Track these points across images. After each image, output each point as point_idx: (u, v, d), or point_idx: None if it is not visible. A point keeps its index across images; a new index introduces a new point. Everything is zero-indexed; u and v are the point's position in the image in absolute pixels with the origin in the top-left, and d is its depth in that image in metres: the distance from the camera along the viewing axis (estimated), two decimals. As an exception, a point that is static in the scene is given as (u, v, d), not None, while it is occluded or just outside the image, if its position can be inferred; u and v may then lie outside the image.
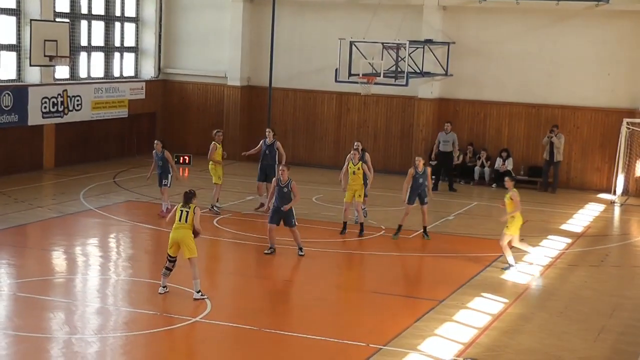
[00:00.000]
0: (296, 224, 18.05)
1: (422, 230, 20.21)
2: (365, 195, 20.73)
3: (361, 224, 20.18)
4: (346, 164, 20.56)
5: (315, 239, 19.58)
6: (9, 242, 18.35)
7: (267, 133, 22.40)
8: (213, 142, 21.74)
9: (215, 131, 22.17)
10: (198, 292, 14.92)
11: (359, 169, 20.08)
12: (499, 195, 26.10)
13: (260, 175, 22.14)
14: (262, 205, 21.60)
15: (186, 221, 14.94)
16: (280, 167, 18.37)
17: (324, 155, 29.79)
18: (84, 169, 26.58)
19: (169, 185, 21.14)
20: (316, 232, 20.21)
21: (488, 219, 22.92)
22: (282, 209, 17.72)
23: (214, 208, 21.63)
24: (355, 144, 21.04)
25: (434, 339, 13.48)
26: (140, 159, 29.21)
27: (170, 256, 15.11)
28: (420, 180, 19.88)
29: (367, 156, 21.09)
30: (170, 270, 15.16)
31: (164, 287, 15.21)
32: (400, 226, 20.00)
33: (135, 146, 30.56)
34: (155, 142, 21.39)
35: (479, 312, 14.94)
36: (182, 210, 15.05)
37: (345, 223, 20.04)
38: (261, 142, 22.38)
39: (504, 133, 28.41)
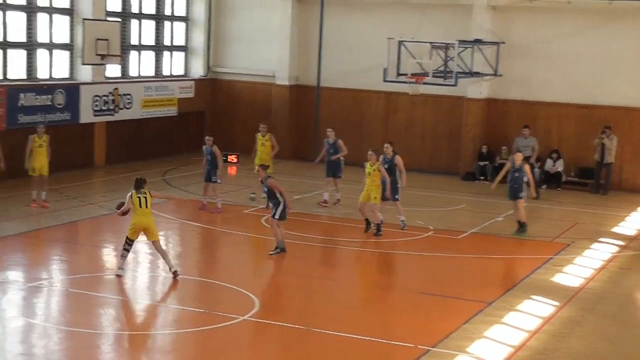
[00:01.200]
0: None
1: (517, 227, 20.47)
2: (396, 199, 20.40)
3: (378, 225, 19.70)
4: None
5: (362, 238, 19.52)
6: (61, 239, 18.56)
7: (328, 133, 23.27)
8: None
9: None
10: (175, 271, 15.65)
11: (374, 170, 19.70)
12: (549, 196, 25.94)
13: (328, 172, 23.11)
14: (325, 201, 22.82)
15: (147, 206, 15.57)
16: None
17: (371, 155, 29.65)
18: (133, 166, 26.78)
19: (219, 181, 21.50)
20: (362, 232, 20.12)
21: (538, 220, 22.68)
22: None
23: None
24: (385, 145, 20.96)
25: (483, 342, 13.36)
26: (189, 157, 29.37)
27: (129, 240, 15.74)
28: (516, 175, 20.16)
29: (398, 158, 20.60)
30: (128, 252, 15.78)
31: (121, 268, 15.78)
32: (522, 223, 20.42)
33: (184, 144, 30.74)
34: (207, 137, 22.02)
35: (529, 314, 14.78)
36: (139, 197, 15.56)
37: (366, 220, 19.91)
38: (325, 141, 23.35)
39: (553, 134, 28.08)
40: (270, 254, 17.66)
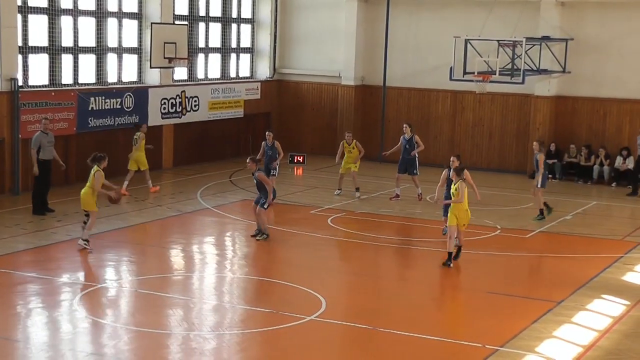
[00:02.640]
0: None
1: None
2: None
3: (457, 250, 17.62)
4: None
5: (428, 238, 19.41)
6: (130, 240, 18.82)
7: (404, 128, 23.58)
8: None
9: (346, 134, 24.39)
10: (85, 240, 17.40)
11: (456, 189, 17.18)
12: (619, 194, 25.49)
13: (400, 168, 23.44)
14: (397, 196, 23.28)
15: (87, 181, 17.55)
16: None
17: (438, 155, 29.48)
18: (200, 168, 27.04)
19: (276, 175, 22.43)
20: (430, 232, 20.03)
21: (608, 218, 22.30)
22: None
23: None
24: (452, 158, 18.66)
25: (552, 341, 13.17)
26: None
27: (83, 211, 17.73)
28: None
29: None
30: (86, 223, 17.62)
31: (84, 240, 17.53)
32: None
33: (250, 146, 30.92)
34: (267, 133, 22.87)
35: (599, 314, 14.54)
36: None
37: (458, 247, 17.74)
38: (401, 138, 23.59)
39: (624, 131, 27.55)
40: (258, 239, 18.81)
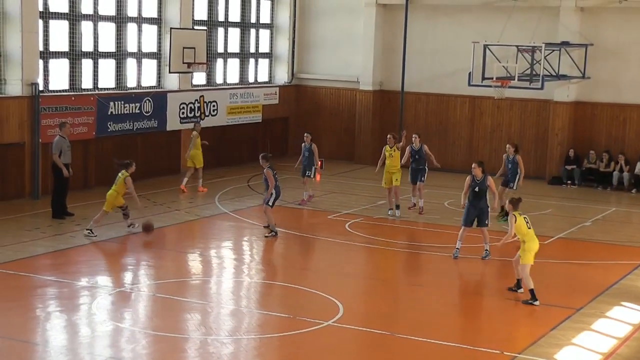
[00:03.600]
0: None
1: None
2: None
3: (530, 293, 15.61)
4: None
5: (446, 244, 19.35)
6: (148, 244, 18.85)
7: (413, 139, 22.63)
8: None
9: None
10: (88, 230, 18.65)
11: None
12: (639, 201, 25.31)
13: (412, 178, 22.65)
14: (414, 205, 22.70)
15: (115, 184, 18.98)
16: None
17: (456, 160, 29.43)
18: (219, 172, 27.08)
19: (312, 176, 23.02)
20: (448, 237, 19.96)
21: (627, 225, 22.17)
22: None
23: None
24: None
25: (571, 348, 13.10)
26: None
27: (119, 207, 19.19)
28: (510, 166, 21.68)
29: (490, 179, 18.37)
30: (127, 215, 19.30)
31: (128, 226, 19.20)
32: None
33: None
34: (305, 134, 23.41)
35: (619, 321, 14.45)
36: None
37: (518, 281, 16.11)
38: (408, 147, 22.51)
39: (644, 137, 27.42)
40: (266, 236, 19.36)
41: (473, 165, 18.17)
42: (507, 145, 22.21)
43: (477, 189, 17.94)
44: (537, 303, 15.13)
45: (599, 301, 15.50)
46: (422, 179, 22.51)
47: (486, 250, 18.27)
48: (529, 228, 15.35)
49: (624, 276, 17.19)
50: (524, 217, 15.46)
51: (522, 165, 21.72)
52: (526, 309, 15.12)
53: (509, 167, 21.81)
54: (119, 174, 19.08)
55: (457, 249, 18.20)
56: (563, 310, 14.87)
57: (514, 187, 21.50)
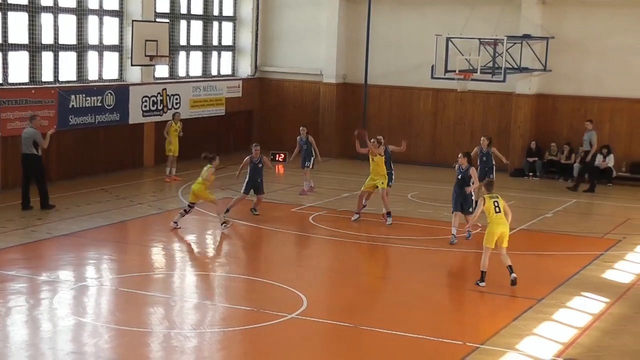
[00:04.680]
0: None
1: None
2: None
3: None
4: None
5: (410, 236, 19.45)
6: (111, 238, 18.76)
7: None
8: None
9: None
10: (222, 224, 19.13)
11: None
12: (599, 192, 25.58)
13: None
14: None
15: (201, 177, 19.28)
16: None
17: (419, 153, 29.57)
18: (182, 166, 26.92)
19: (310, 166, 23.56)
20: (412, 230, 20.07)
21: (588, 216, 22.41)
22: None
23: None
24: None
25: (533, 339, 13.23)
26: (237, 157, 29.52)
27: (190, 203, 19.54)
28: (485, 158, 21.91)
29: (472, 170, 18.95)
30: (187, 212, 19.44)
31: (175, 222, 19.34)
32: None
33: (232, 144, 30.90)
34: (301, 127, 24.08)
35: (579, 311, 14.62)
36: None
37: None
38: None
39: (605, 129, 27.66)
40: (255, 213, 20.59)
41: (459, 155, 19.07)
42: (482, 138, 22.46)
43: (460, 177, 18.85)
44: (482, 284, 15.68)
45: (560, 292, 15.67)
46: (390, 184, 21.55)
47: (468, 230, 19.08)
48: (497, 212, 15.67)
49: (584, 267, 17.39)
50: (494, 201, 15.79)
51: (502, 156, 22.62)
52: (489, 301, 15.26)
53: (483, 160, 22.07)
54: (205, 167, 19.37)
55: (453, 235, 18.86)
56: (525, 301, 15.02)
57: (492, 177, 21.53)
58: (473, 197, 19.02)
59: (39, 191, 20.54)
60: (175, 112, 26.09)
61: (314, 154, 23.70)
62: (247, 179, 20.80)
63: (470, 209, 18.87)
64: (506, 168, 27.92)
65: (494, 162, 22.22)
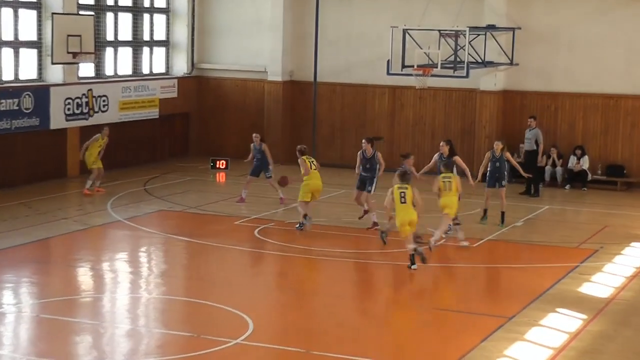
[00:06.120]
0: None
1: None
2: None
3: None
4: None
5: (368, 249, 19.42)
6: (31, 258, 18.51)
7: (364, 144, 21.38)
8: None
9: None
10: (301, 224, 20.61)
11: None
12: (573, 197, 25.85)
13: (359, 185, 21.40)
14: (365, 212, 21.40)
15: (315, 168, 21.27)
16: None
17: (376, 157, 29.58)
18: (111, 175, 26.68)
19: (271, 176, 23.90)
20: (367, 242, 20.05)
21: (562, 224, 22.58)
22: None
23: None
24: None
25: (504, 361, 13.28)
26: (173, 164, 29.35)
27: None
28: (497, 164, 22.03)
29: (457, 158, 21.34)
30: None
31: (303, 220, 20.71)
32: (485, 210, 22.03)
33: (167, 150, 30.70)
34: (254, 135, 24.27)
35: (554, 329, 14.70)
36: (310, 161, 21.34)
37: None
38: (359, 152, 21.50)
39: (578, 128, 27.99)
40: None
41: (441, 144, 21.00)
42: (495, 142, 22.51)
43: (441, 166, 20.22)
44: (414, 267, 17.58)
45: (533, 308, 15.74)
46: (371, 189, 21.27)
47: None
48: (402, 202, 17.58)
49: (558, 280, 17.50)
50: (401, 192, 17.63)
51: (515, 162, 23.37)
52: (455, 320, 15.27)
53: (496, 166, 22.05)
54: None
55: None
56: (494, 320, 15.07)
57: (503, 185, 22.17)
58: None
59: None
60: (105, 126, 25.37)
61: (270, 163, 23.93)
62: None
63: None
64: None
65: (506, 170, 22.35)
